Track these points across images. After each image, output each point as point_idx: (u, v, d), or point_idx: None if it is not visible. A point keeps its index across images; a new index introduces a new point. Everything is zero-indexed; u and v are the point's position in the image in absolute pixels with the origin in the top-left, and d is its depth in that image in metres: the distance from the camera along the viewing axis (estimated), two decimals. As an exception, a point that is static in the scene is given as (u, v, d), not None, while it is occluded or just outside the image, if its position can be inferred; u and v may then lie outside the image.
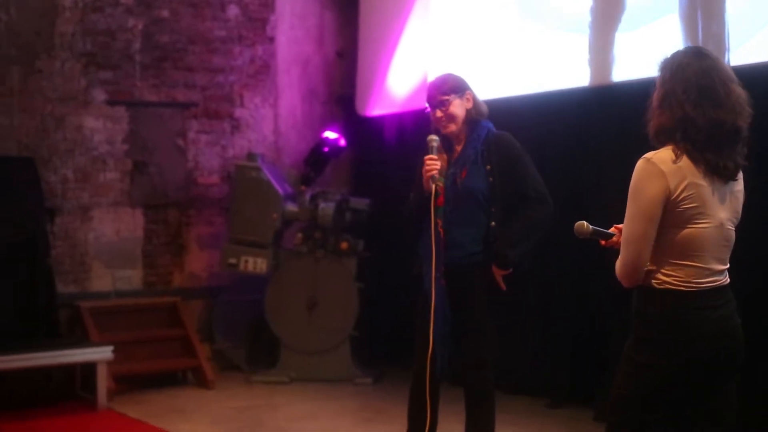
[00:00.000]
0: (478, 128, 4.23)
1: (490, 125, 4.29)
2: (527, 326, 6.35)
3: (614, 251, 2.93)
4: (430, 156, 4.08)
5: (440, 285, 4.11)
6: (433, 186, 4.07)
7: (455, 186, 4.16)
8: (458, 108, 4.18)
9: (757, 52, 4.97)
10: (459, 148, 4.25)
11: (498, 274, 4.15)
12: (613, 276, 5.70)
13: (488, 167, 4.16)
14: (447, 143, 4.25)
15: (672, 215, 2.68)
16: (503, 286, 4.18)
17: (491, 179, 4.15)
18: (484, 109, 4.29)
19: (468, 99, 4.22)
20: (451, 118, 4.18)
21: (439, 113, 4.19)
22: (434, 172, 4.06)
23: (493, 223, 4.14)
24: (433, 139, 4.14)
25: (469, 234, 4.16)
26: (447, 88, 4.20)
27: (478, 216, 4.16)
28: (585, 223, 2.90)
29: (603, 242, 2.97)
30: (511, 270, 4.16)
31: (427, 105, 4.28)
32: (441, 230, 4.13)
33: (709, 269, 2.73)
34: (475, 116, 4.23)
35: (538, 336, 6.31)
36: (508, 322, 6.23)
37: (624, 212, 5.53)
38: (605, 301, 5.85)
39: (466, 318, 4.18)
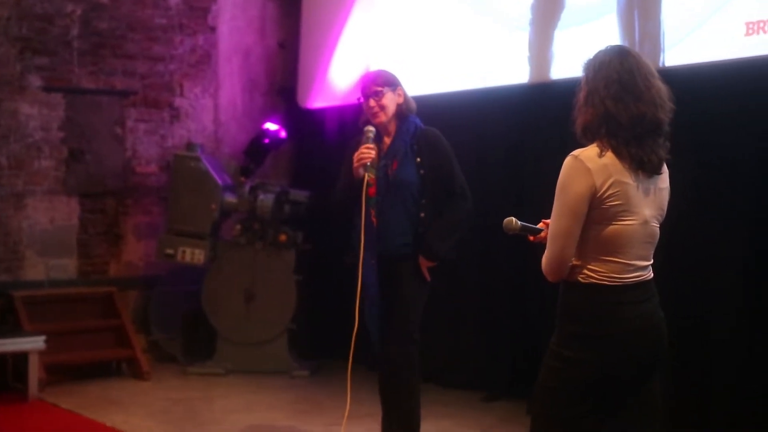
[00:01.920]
0: (406, 122, 4.43)
1: (418, 120, 4.48)
2: (465, 320, 6.41)
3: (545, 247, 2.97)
4: (367, 145, 4.26)
5: (373, 272, 4.28)
6: (365, 175, 4.22)
7: (387, 177, 4.33)
8: (390, 101, 4.39)
9: (690, 53, 5.06)
10: (388, 140, 4.43)
11: (424, 265, 4.34)
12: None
13: (418, 160, 4.35)
14: (377, 136, 4.41)
15: (597, 212, 2.72)
16: (428, 277, 4.38)
17: (422, 171, 4.33)
18: (413, 105, 4.51)
19: (399, 94, 4.44)
20: (383, 108, 4.37)
21: (372, 103, 4.38)
22: (368, 160, 4.22)
23: (422, 214, 4.32)
24: (370, 129, 4.33)
25: (400, 224, 4.34)
26: (381, 81, 4.42)
27: (408, 207, 4.34)
28: (514, 219, 2.94)
29: (532, 238, 3.01)
30: (437, 263, 4.35)
31: (360, 96, 4.46)
32: (374, 219, 4.30)
33: (632, 265, 2.77)
34: (404, 111, 4.44)
35: (476, 330, 6.36)
36: (447, 317, 6.33)
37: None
38: (543, 296, 5.90)
39: (393, 304, 4.34)
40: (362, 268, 4.22)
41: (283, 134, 7.51)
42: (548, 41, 5.84)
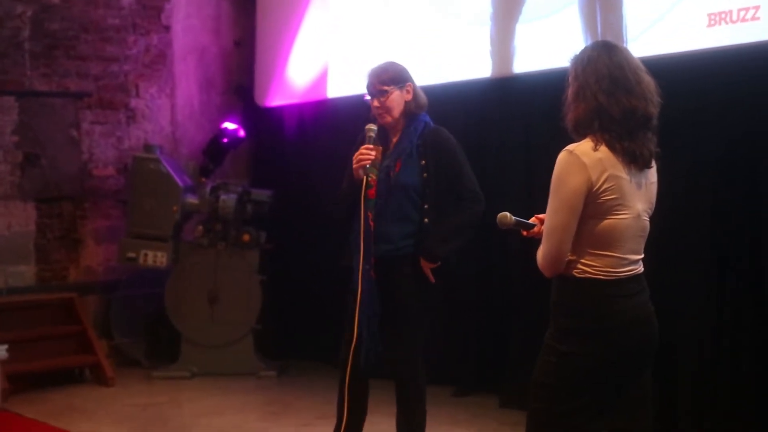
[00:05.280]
0: (415, 121, 4.16)
1: (428, 119, 4.24)
2: (433, 316, 6.40)
3: (533, 241, 2.98)
4: (367, 146, 4.00)
5: (369, 277, 4.03)
6: (365, 177, 3.99)
7: (388, 179, 4.08)
8: (396, 100, 4.11)
9: (653, 45, 5.10)
10: (395, 139, 4.18)
11: (426, 267, 4.11)
12: (516, 266, 5.81)
13: (423, 162, 4.10)
14: (383, 134, 4.16)
15: (593, 206, 2.73)
16: (432, 279, 4.14)
17: (425, 175, 4.10)
18: (424, 101, 4.22)
19: (408, 91, 4.15)
20: (388, 110, 4.11)
21: (376, 103, 4.11)
22: (367, 162, 3.98)
23: (426, 220, 4.09)
24: (371, 129, 4.05)
25: (400, 228, 4.10)
26: (387, 78, 4.12)
27: (409, 211, 4.11)
28: (508, 214, 2.92)
29: (525, 233, 3.00)
30: (438, 263, 4.12)
31: (365, 93, 4.17)
32: (372, 223, 4.05)
33: (626, 259, 2.79)
34: (413, 109, 4.17)
35: (443, 325, 6.35)
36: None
37: (524, 199, 5.67)
38: (510, 291, 5.94)
39: (395, 311, 4.13)
40: (357, 275, 4.00)
41: (241, 133, 7.44)
42: (510, 35, 5.86)
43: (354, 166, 4.02)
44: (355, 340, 4.03)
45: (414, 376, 4.20)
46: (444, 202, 4.13)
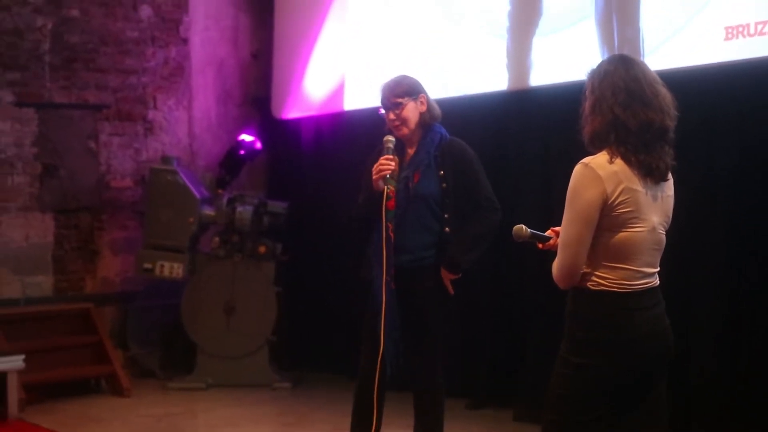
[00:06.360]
0: (431, 132, 4.21)
1: (443, 130, 4.28)
2: (450, 327, 6.39)
3: (548, 253, 2.98)
4: (387, 156, 4.04)
5: (390, 288, 4.05)
6: (385, 188, 4.02)
7: (407, 190, 4.12)
8: (412, 111, 4.16)
9: (670, 58, 5.09)
10: (411, 151, 4.22)
11: (447, 278, 4.14)
12: (530, 278, 5.81)
13: (441, 173, 4.15)
14: (399, 146, 4.20)
15: (608, 219, 2.73)
16: (451, 290, 4.17)
17: (444, 185, 4.14)
18: (438, 112, 4.28)
19: (422, 102, 4.20)
20: (405, 121, 4.15)
21: (392, 116, 4.16)
22: (387, 173, 4.01)
23: (447, 229, 4.13)
24: (390, 140, 4.10)
25: (420, 239, 4.14)
26: (401, 91, 4.17)
27: (429, 221, 4.14)
28: (523, 226, 2.93)
29: (540, 245, 3.00)
30: (460, 275, 4.15)
31: (380, 107, 4.23)
32: (392, 234, 4.08)
33: (641, 272, 2.79)
34: (428, 120, 4.22)
35: (457, 337, 6.35)
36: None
37: (541, 212, 5.66)
38: (523, 303, 5.93)
39: (416, 322, 4.15)
40: (378, 287, 4.03)
41: (258, 145, 7.47)
42: (527, 48, 5.86)
43: (374, 176, 4.05)
44: (381, 353, 4.03)
45: (433, 387, 4.22)
46: (463, 211, 4.18)
